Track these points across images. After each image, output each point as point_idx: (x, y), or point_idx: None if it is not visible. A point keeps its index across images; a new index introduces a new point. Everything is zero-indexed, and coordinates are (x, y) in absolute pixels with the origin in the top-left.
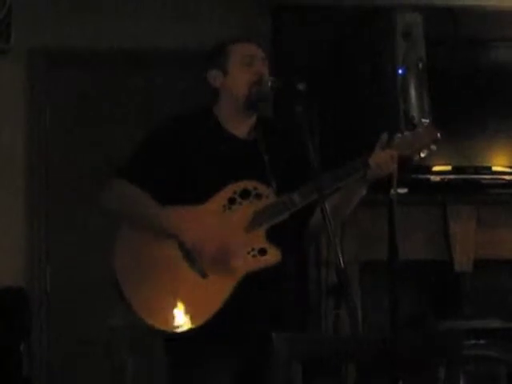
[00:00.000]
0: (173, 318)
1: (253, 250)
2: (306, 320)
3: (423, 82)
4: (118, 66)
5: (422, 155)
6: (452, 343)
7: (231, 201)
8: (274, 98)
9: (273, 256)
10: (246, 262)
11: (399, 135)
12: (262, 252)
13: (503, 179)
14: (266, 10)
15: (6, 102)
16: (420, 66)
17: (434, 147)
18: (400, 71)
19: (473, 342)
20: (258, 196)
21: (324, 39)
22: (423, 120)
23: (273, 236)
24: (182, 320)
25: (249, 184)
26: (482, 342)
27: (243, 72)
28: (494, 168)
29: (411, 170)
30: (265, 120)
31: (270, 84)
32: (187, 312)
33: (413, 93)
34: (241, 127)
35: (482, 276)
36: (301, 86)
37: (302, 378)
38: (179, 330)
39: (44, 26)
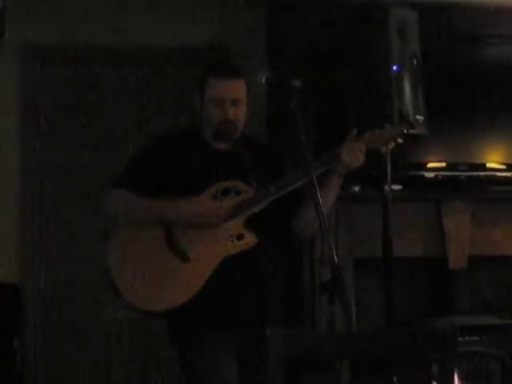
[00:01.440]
0: (161, 299)
1: (231, 236)
2: (300, 316)
3: (418, 79)
4: (112, 62)
5: (390, 147)
6: (446, 339)
7: (213, 198)
8: (269, 93)
9: (249, 240)
10: (225, 247)
11: (368, 131)
12: (240, 237)
13: (498, 176)
14: (260, 6)
15: None
16: (414, 62)
17: (400, 141)
18: (394, 68)
19: (467, 338)
20: (238, 192)
21: (318, 35)
22: (417, 117)
23: (253, 224)
24: (169, 300)
25: (229, 183)
26: (476, 338)
27: (212, 111)
28: (489, 165)
29: (405, 166)
30: (246, 136)
31: (235, 120)
32: (173, 293)
33: (407, 90)
34: (221, 143)
35: (476, 273)
36: (296, 83)
37: (297, 374)
38: (167, 309)
39: (38, 22)
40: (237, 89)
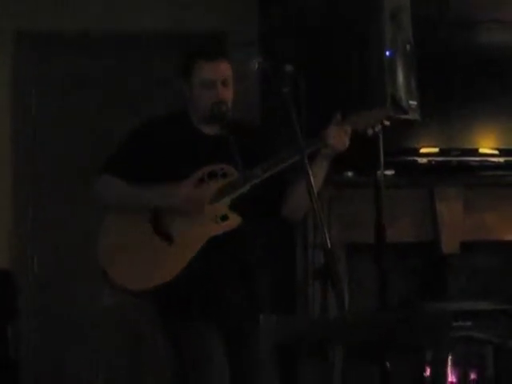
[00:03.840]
0: (148, 278)
1: (216, 217)
2: (293, 302)
3: (411, 65)
4: (106, 50)
5: (376, 129)
6: (439, 325)
7: (200, 181)
8: (262, 78)
9: (233, 220)
10: (209, 228)
11: (354, 113)
12: (224, 218)
13: (490, 161)
14: None
15: None
16: (407, 48)
17: (387, 123)
18: (387, 53)
19: (460, 323)
20: (224, 175)
21: (311, 21)
22: (410, 102)
23: (239, 207)
24: (154, 278)
25: (216, 167)
26: (469, 323)
27: (203, 94)
28: (481, 150)
29: (398, 151)
30: (235, 120)
31: (227, 100)
32: (159, 272)
33: (400, 75)
34: (210, 127)
35: (469, 258)
36: (288, 68)
37: (290, 360)
38: (154, 286)
39: (30, 9)
40: (226, 69)
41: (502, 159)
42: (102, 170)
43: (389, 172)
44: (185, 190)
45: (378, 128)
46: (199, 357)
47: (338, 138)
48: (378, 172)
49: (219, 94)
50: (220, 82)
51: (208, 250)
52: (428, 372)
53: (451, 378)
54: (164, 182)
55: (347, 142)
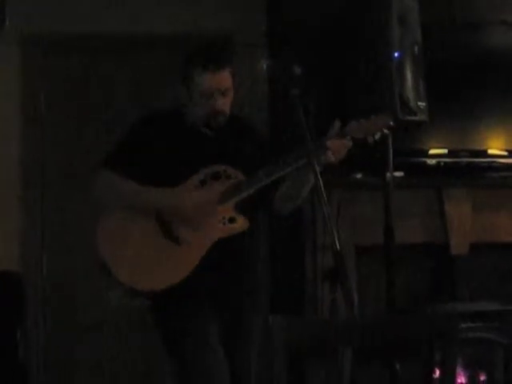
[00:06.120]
0: (154, 280)
1: (223, 218)
2: (302, 304)
3: (419, 66)
4: (113, 51)
5: (376, 137)
6: (448, 326)
7: (202, 182)
8: (270, 80)
9: (241, 223)
10: (217, 230)
11: (353, 121)
12: (232, 221)
13: (499, 162)
14: None
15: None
16: (416, 50)
17: (386, 131)
18: (396, 55)
19: (469, 324)
20: (228, 177)
21: (320, 22)
22: (419, 103)
23: (242, 207)
24: (161, 280)
25: (219, 168)
26: (478, 324)
27: (201, 104)
28: (490, 151)
29: (407, 153)
30: (234, 116)
31: (224, 109)
32: (166, 274)
33: (408, 76)
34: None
35: (478, 259)
36: (297, 69)
37: (299, 361)
38: (160, 288)
39: (38, 10)
40: (224, 79)
41: (510, 160)
42: (102, 165)
43: (398, 173)
44: (187, 194)
45: (378, 136)
46: (197, 354)
47: (336, 151)
48: (387, 173)
49: (216, 105)
50: (219, 92)
51: (213, 251)
52: (437, 373)
53: (460, 379)
54: (163, 180)
55: (344, 154)
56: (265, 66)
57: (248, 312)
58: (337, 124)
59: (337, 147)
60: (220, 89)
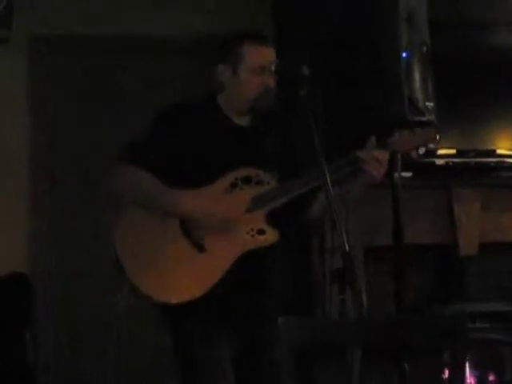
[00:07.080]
0: (172, 290)
1: (252, 230)
2: (311, 305)
3: (427, 66)
4: (120, 53)
5: (420, 152)
6: (457, 327)
7: (233, 185)
8: (278, 81)
9: (271, 236)
10: (244, 241)
11: (397, 133)
12: (261, 232)
13: (508, 162)
14: None
15: (7, 91)
16: (424, 49)
17: (431, 145)
18: (404, 55)
19: (478, 325)
20: (259, 182)
21: (327, 23)
22: (427, 103)
23: (272, 218)
24: (180, 292)
25: (251, 171)
26: (487, 325)
27: (252, 81)
28: (499, 151)
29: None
30: (272, 112)
31: (272, 93)
32: (185, 284)
33: (417, 76)
34: (243, 117)
35: (486, 259)
36: (305, 71)
37: (308, 362)
38: (178, 302)
39: (45, 13)
40: (272, 54)
41: None
42: (125, 159)
43: (406, 174)
44: (218, 199)
45: (423, 150)
46: (209, 364)
47: (376, 169)
48: (396, 174)
49: (270, 81)
50: (269, 68)
51: (239, 263)
52: (446, 374)
53: (469, 379)
54: (189, 176)
55: (383, 171)
56: (273, 68)
57: (271, 342)
58: (372, 140)
59: (376, 165)
60: (271, 63)
